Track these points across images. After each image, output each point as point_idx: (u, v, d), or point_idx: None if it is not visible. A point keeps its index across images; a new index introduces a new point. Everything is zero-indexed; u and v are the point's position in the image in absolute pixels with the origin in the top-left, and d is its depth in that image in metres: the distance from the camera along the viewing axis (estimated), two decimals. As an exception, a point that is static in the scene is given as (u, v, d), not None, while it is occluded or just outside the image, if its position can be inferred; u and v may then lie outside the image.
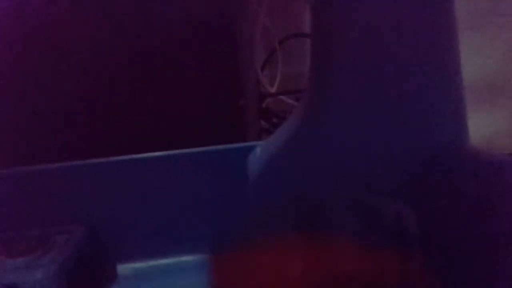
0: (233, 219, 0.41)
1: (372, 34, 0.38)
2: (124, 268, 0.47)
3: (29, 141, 0.53)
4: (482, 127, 0.41)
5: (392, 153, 0.40)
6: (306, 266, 0.30)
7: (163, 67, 0.53)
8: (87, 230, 0.45)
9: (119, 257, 0.47)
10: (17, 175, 0.46)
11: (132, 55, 0.53)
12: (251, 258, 0.31)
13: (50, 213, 0.46)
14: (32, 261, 0.40)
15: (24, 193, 0.46)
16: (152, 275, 0.46)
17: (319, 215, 0.39)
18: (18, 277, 0.39)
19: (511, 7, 0.50)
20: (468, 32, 0.39)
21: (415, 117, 0.40)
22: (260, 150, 0.44)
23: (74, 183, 0.46)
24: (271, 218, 0.38)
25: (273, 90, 0.74)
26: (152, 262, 0.47)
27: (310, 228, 0.40)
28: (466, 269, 0.33)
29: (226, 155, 0.46)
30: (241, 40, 0.56)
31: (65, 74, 0.53)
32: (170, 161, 0.46)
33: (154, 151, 0.46)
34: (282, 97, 0.75)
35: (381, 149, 0.40)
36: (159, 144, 0.46)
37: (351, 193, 0.40)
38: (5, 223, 0.45)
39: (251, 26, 0.67)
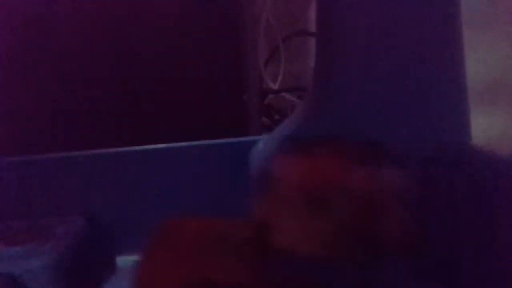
0: (234, 211, 0.41)
1: (376, 33, 0.38)
2: (123, 260, 0.47)
3: (31, 130, 0.53)
4: (483, 127, 0.41)
5: (394, 152, 0.40)
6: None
7: (169, 63, 0.53)
8: (87, 221, 0.45)
9: (118, 249, 0.47)
10: (18, 164, 0.46)
11: (138, 50, 0.53)
12: None
13: (50, 203, 0.46)
14: (30, 251, 0.40)
15: (25, 182, 0.46)
16: (150, 268, 0.46)
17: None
18: (15, 266, 0.39)
19: (511, 7, 0.50)
20: (468, 32, 0.39)
21: (417, 116, 0.40)
22: (263, 145, 0.44)
23: (75, 173, 0.46)
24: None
25: (275, 87, 0.74)
26: (151, 255, 0.47)
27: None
28: (466, 270, 0.33)
29: (229, 148, 0.46)
30: (244, 36, 0.56)
31: (72, 69, 0.53)
32: (172, 154, 0.46)
33: (159, 144, 0.46)
34: (284, 94, 0.74)
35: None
36: (164, 137, 0.47)
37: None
38: (4, 212, 0.45)
39: (255, 23, 0.67)
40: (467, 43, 0.39)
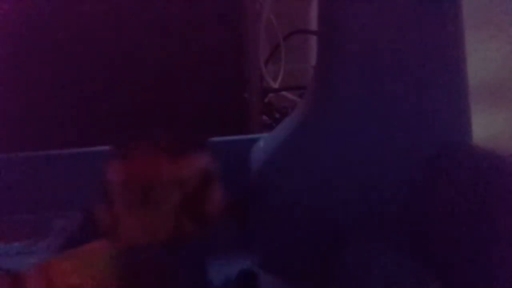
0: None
1: (377, 33, 0.38)
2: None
3: (31, 130, 0.53)
4: (483, 127, 0.41)
5: (394, 152, 0.40)
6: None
7: (170, 63, 0.53)
8: (86, 217, 0.45)
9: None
10: (17, 160, 0.46)
11: (139, 50, 0.53)
12: None
13: (48, 199, 0.46)
14: (28, 247, 0.40)
15: (23, 178, 0.46)
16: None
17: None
18: (13, 263, 0.39)
19: (511, 7, 0.49)
20: (468, 32, 0.39)
21: (418, 115, 0.40)
22: (264, 143, 0.44)
23: (74, 171, 0.46)
24: (271, 207, 0.38)
25: (276, 85, 0.74)
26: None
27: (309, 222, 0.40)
28: (466, 269, 0.33)
29: (230, 146, 0.46)
30: (245, 35, 0.56)
31: (72, 69, 0.53)
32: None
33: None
34: (284, 92, 0.74)
35: (383, 147, 0.40)
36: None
37: (350, 190, 0.40)
38: (4, 209, 0.45)
39: (256, 22, 0.67)
40: (468, 43, 0.39)
